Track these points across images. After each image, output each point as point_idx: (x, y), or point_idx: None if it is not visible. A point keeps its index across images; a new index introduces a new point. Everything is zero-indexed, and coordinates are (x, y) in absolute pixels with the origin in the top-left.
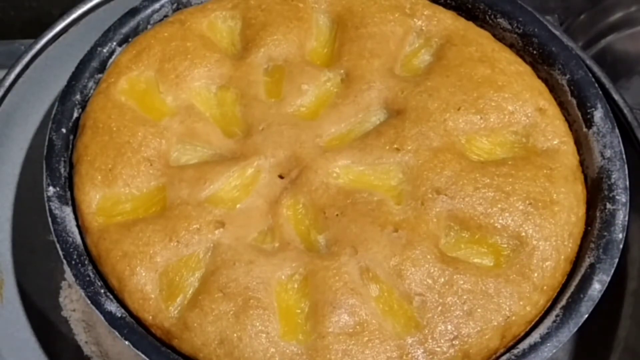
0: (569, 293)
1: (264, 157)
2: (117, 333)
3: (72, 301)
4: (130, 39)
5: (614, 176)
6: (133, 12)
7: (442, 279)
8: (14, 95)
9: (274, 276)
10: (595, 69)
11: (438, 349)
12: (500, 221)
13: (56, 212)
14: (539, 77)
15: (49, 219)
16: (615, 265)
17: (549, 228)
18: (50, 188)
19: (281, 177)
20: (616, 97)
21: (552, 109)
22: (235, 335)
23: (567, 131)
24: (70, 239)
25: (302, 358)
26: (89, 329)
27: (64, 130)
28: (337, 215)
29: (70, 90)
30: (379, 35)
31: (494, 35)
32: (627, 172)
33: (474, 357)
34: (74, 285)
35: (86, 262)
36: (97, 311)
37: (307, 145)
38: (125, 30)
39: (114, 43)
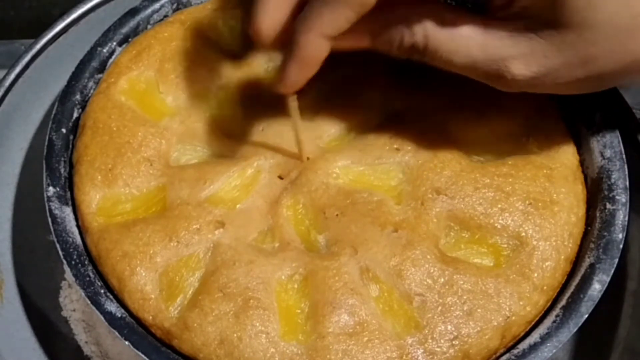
0: (569, 293)
1: (263, 158)
2: (117, 333)
3: (72, 301)
4: (130, 39)
5: (614, 176)
6: (133, 12)
7: (442, 279)
8: (14, 95)
9: (274, 276)
10: None
11: (438, 349)
12: (500, 221)
13: (56, 212)
14: None
15: (49, 219)
16: (615, 265)
17: (549, 228)
18: (50, 188)
19: (281, 177)
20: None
21: (553, 109)
22: (235, 335)
23: (567, 131)
24: (70, 239)
25: (302, 358)
26: (89, 329)
27: (64, 130)
28: (337, 215)
29: (70, 90)
30: None
31: None
32: (627, 172)
33: (474, 357)
34: (74, 285)
35: (86, 262)
36: (97, 311)
37: (307, 145)
38: (125, 30)
39: (114, 43)
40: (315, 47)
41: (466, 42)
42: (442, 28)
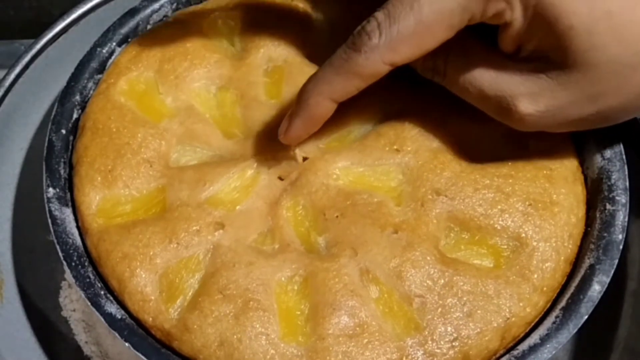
0: (569, 294)
1: (263, 159)
2: (117, 335)
3: (72, 301)
4: (130, 39)
5: (613, 177)
6: (133, 12)
7: (442, 281)
8: (14, 95)
9: (274, 278)
10: None
11: (438, 351)
12: (500, 222)
13: (56, 213)
14: None
15: (49, 221)
16: (615, 266)
17: (548, 229)
18: (50, 189)
19: (281, 178)
20: None
21: None
22: (235, 336)
23: (566, 131)
24: (70, 241)
25: None
26: (89, 329)
27: (63, 131)
28: (337, 216)
29: (69, 91)
30: None
31: None
32: (627, 172)
33: (474, 359)
34: (74, 286)
35: (86, 263)
36: (97, 313)
37: (307, 147)
38: (125, 30)
39: (114, 43)
40: (323, 108)
41: (480, 75)
42: (463, 56)
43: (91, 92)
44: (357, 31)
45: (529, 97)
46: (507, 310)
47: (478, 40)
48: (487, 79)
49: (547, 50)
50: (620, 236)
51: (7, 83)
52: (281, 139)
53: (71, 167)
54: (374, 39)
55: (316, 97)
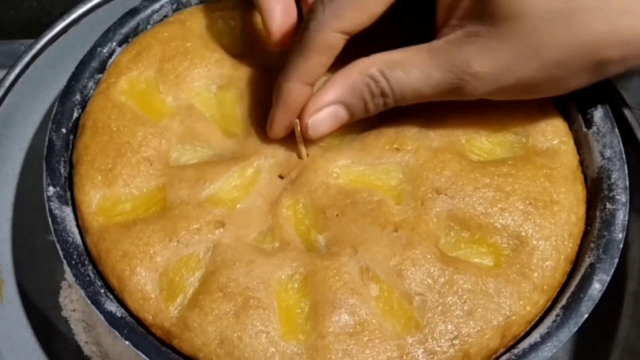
0: (569, 293)
1: (263, 157)
2: (117, 333)
3: (72, 301)
4: (130, 39)
5: (613, 176)
6: (133, 12)
7: (442, 279)
8: (14, 95)
9: (274, 276)
10: None
11: (438, 349)
12: (500, 221)
13: (56, 212)
14: None
15: (49, 219)
16: (615, 265)
17: (549, 228)
18: (50, 188)
19: (281, 177)
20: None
21: (552, 109)
22: (235, 335)
23: (567, 131)
24: (70, 239)
25: (302, 358)
26: (89, 329)
27: (63, 130)
28: (337, 215)
29: (70, 90)
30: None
31: None
32: (627, 172)
33: (474, 357)
34: (74, 285)
35: (86, 262)
36: (97, 311)
37: (307, 145)
38: (125, 30)
39: (114, 43)
40: (296, 93)
41: (419, 69)
42: (395, 68)
43: (91, 91)
44: (306, 12)
45: (472, 60)
46: (508, 308)
47: (403, 48)
48: (428, 67)
49: (473, 10)
50: (620, 235)
51: (7, 83)
52: (269, 135)
53: (71, 166)
54: (318, 12)
55: (286, 83)
